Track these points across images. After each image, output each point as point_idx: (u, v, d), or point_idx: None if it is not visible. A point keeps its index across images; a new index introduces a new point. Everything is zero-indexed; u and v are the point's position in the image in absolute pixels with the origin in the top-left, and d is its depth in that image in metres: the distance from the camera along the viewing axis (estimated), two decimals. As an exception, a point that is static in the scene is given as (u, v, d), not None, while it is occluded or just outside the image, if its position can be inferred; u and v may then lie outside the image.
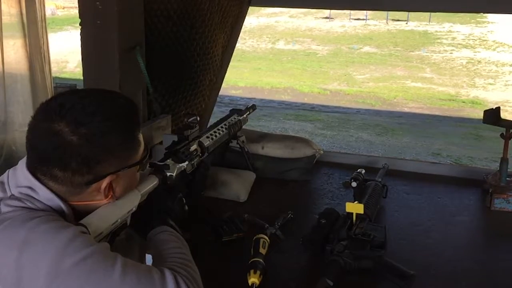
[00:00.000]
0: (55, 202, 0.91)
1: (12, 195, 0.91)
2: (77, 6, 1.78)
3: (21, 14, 2.37)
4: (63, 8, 18.01)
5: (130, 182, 1.03)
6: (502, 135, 1.85)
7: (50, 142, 0.88)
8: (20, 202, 0.89)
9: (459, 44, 13.86)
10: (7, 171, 0.97)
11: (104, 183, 0.94)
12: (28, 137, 0.92)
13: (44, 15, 2.50)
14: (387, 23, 16.86)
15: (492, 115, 1.87)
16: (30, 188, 0.91)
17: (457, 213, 1.80)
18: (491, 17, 16.05)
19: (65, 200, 0.93)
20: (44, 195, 0.91)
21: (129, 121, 0.97)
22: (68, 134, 0.88)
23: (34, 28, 2.42)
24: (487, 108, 1.93)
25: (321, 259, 1.40)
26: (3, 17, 2.30)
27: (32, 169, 0.92)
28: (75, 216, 0.94)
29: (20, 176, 0.93)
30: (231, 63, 2.87)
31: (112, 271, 0.82)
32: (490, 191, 1.83)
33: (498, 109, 1.88)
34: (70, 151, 0.88)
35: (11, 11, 2.36)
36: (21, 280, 0.80)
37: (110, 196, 0.97)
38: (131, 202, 1.05)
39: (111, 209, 0.99)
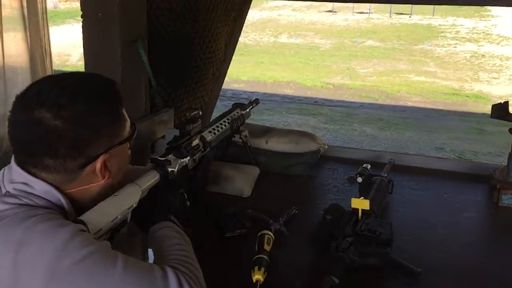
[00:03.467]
0: (53, 194, 0.89)
1: (7, 192, 0.89)
2: (79, -2, 1.76)
3: (22, 7, 2.35)
4: (65, 1, 17.97)
5: (123, 160, 1.03)
6: (510, 130, 1.82)
7: (34, 132, 0.86)
8: (17, 199, 0.87)
9: (463, 38, 13.78)
10: (2, 169, 0.95)
11: (98, 164, 0.92)
12: (10, 132, 0.89)
13: (45, 8, 2.48)
14: (390, 16, 16.77)
15: (500, 110, 1.85)
16: (25, 184, 0.89)
17: (464, 209, 1.77)
18: (495, 10, 15.96)
19: (62, 190, 0.90)
20: (41, 188, 0.88)
21: (110, 98, 0.96)
22: (51, 119, 0.85)
23: (35, 21, 2.40)
24: (492, 103, 1.91)
25: (327, 256, 1.38)
26: (3, 10, 2.28)
27: (22, 164, 0.90)
28: (74, 208, 0.92)
29: (14, 173, 0.91)
30: (233, 57, 2.84)
31: (113, 270, 0.80)
32: (497, 187, 1.81)
33: (506, 103, 1.86)
34: (56, 136, 0.86)
35: (12, 4, 2.33)
36: (18, 281, 0.78)
37: (107, 176, 0.96)
38: (132, 198, 1.03)
39: (111, 205, 0.97)
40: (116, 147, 0.95)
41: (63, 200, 0.90)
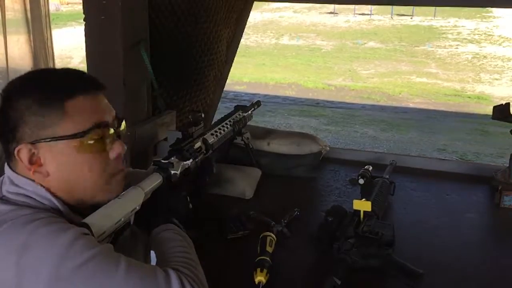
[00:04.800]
0: (35, 188, 0.90)
1: (4, 196, 0.91)
2: (81, 1, 1.77)
3: (25, 9, 2.35)
4: (67, 4, 18.02)
5: (70, 162, 0.90)
6: (511, 131, 1.82)
7: None
8: (9, 205, 0.88)
9: (465, 39, 13.79)
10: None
11: (21, 149, 0.88)
12: None
13: (48, 10, 2.48)
14: (392, 18, 16.78)
15: (502, 111, 1.85)
16: (10, 180, 0.92)
17: (466, 210, 1.77)
18: (496, 11, 15.95)
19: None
20: (21, 182, 0.91)
21: (53, 88, 0.90)
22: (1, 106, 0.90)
23: (38, 23, 2.40)
24: (494, 104, 1.91)
25: (328, 257, 1.38)
26: (7, 13, 2.28)
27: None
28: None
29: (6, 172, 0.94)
30: (235, 59, 2.84)
31: (115, 273, 0.80)
32: (499, 188, 1.81)
33: (507, 105, 1.86)
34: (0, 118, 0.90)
35: (15, 7, 2.33)
36: (21, 285, 0.78)
37: (33, 170, 0.89)
38: (135, 200, 1.03)
39: (114, 207, 0.97)
40: (47, 141, 0.88)
41: (49, 196, 0.91)
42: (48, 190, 0.90)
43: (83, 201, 0.95)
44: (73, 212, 0.93)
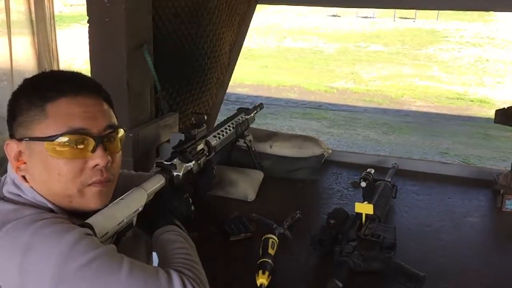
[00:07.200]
0: (32, 192, 0.92)
1: (5, 196, 0.92)
2: (85, 3, 1.78)
3: (30, 11, 2.37)
4: (70, 6, 18.07)
5: (43, 164, 0.90)
6: (514, 135, 1.83)
7: None
8: (11, 205, 0.89)
9: (467, 42, 13.76)
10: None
11: (9, 145, 0.93)
12: None
13: (53, 12, 2.50)
14: (394, 21, 16.76)
15: (504, 115, 1.86)
16: (11, 179, 0.94)
17: (468, 214, 1.78)
18: (499, 15, 15.93)
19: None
20: (22, 185, 0.93)
21: (40, 89, 0.92)
22: None
23: (42, 25, 2.41)
24: (497, 107, 1.92)
25: (330, 260, 1.38)
26: (11, 15, 2.30)
27: None
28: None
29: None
30: (237, 61, 2.85)
31: (118, 273, 0.81)
32: (501, 192, 1.81)
33: (510, 108, 1.86)
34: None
35: (19, 9, 2.35)
36: (25, 285, 0.79)
37: (16, 167, 0.92)
38: (138, 201, 1.03)
39: (117, 208, 0.97)
40: (26, 140, 0.90)
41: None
42: (39, 193, 0.92)
43: (66, 206, 0.94)
44: (70, 215, 0.93)
